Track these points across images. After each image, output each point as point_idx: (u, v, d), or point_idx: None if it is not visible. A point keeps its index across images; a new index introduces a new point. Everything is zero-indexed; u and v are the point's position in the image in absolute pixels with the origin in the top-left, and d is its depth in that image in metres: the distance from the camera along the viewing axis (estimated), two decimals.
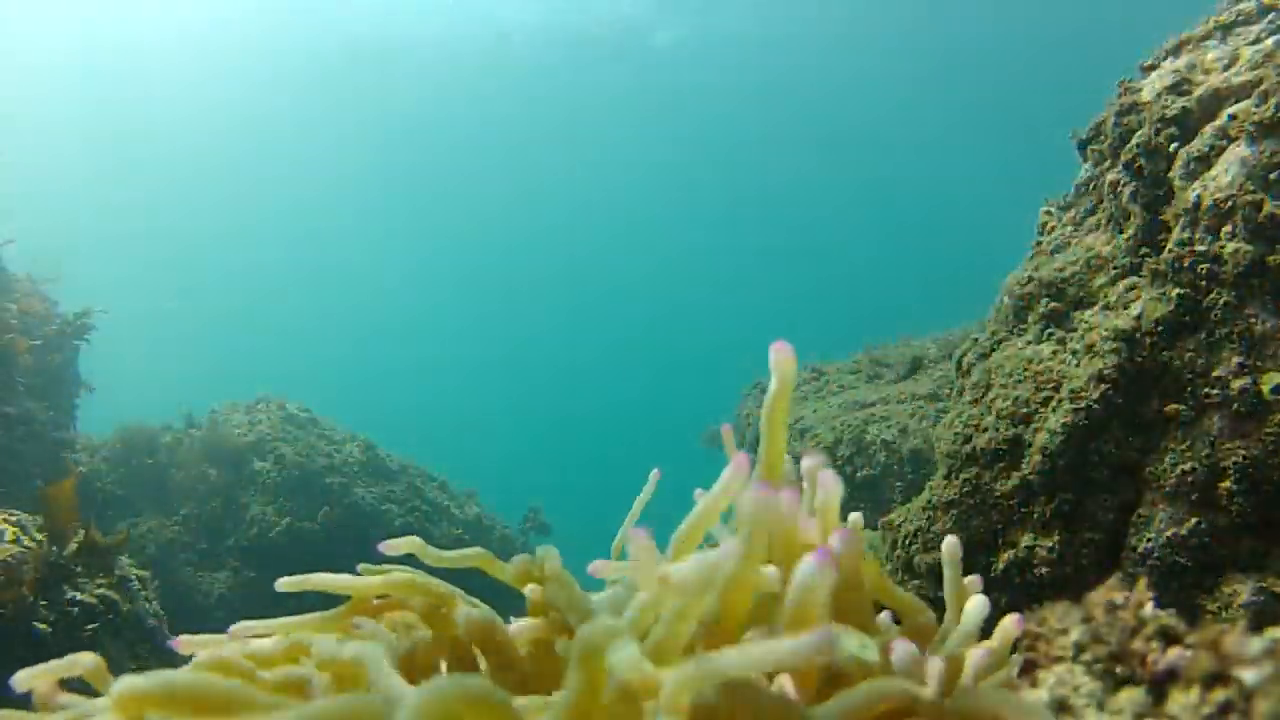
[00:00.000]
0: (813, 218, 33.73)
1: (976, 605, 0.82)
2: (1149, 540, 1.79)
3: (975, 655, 0.78)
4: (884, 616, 0.82)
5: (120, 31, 20.51)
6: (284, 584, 0.87)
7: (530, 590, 0.79)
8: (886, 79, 22.88)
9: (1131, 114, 2.08)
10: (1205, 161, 1.85)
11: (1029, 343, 2.16)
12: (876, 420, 5.24)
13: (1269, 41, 1.90)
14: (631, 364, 42.58)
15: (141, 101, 24.34)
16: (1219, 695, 0.59)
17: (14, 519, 3.26)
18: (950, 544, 0.87)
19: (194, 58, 21.81)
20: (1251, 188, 1.74)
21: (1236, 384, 1.72)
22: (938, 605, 0.87)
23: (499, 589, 0.89)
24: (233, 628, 0.79)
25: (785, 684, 0.63)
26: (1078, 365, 1.98)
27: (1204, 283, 1.79)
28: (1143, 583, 0.67)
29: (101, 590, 3.22)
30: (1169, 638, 0.64)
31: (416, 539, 0.88)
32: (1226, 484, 1.70)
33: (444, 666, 0.78)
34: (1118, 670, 0.64)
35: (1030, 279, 2.23)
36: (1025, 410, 2.04)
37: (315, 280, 40.31)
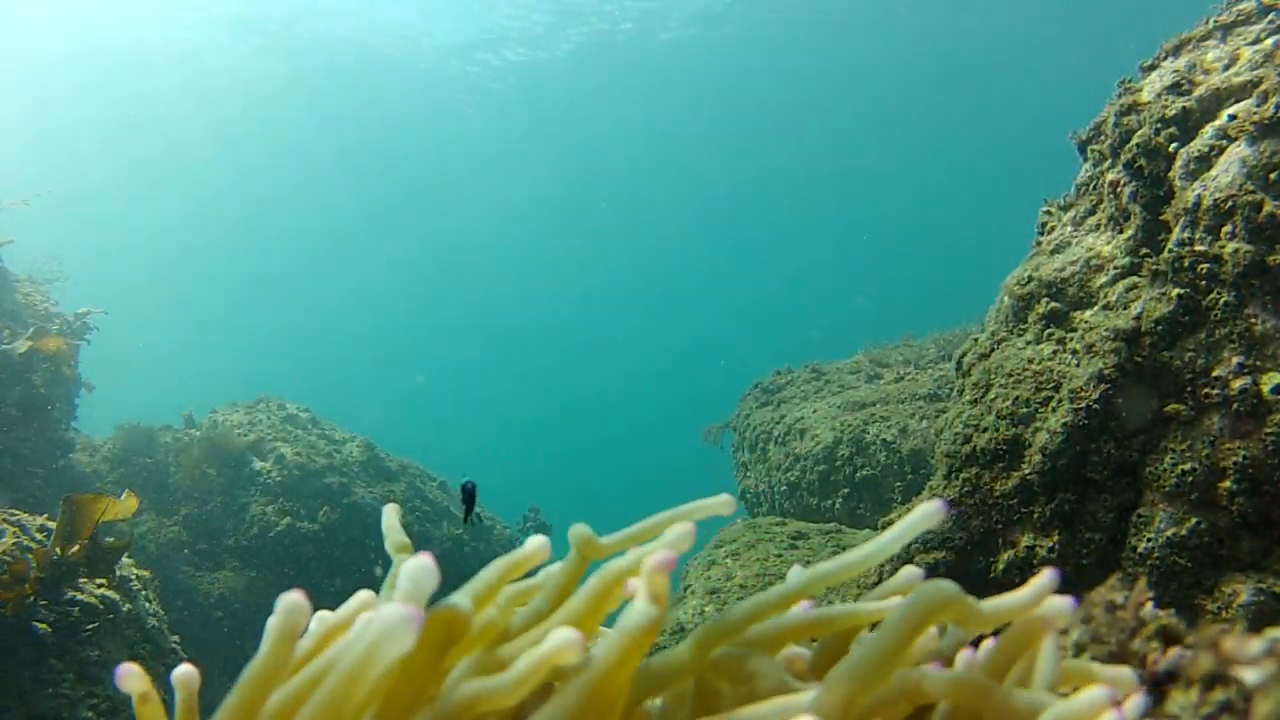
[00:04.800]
0: (814, 218, 33.76)
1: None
2: (1149, 540, 1.79)
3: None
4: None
5: (123, 35, 20.51)
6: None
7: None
8: (887, 78, 22.89)
9: (1131, 114, 2.08)
10: (1205, 161, 1.85)
11: (1029, 343, 2.16)
12: (876, 420, 5.24)
13: (1269, 41, 1.90)
14: (632, 363, 42.60)
15: (146, 106, 24.37)
16: (1219, 695, 0.59)
17: (14, 519, 3.26)
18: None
19: (198, 63, 21.79)
20: (1251, 188, 1.74)
21: (1236, 384, 1.72)
22: None
23: None
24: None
25: None
26: (1078, 365, 1.98)
27: (1204, 283, 1.80)
28: (1143, 583, 0.67)
29: (102, 590, 3.22)
30: (1169, 638, 0.64)
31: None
32: (1226, 484, 1.70)
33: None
34: None
35: (1030, 279, 2.23)
36: (1025, 410, 2.04)
37: (315, 281, 40.37)
